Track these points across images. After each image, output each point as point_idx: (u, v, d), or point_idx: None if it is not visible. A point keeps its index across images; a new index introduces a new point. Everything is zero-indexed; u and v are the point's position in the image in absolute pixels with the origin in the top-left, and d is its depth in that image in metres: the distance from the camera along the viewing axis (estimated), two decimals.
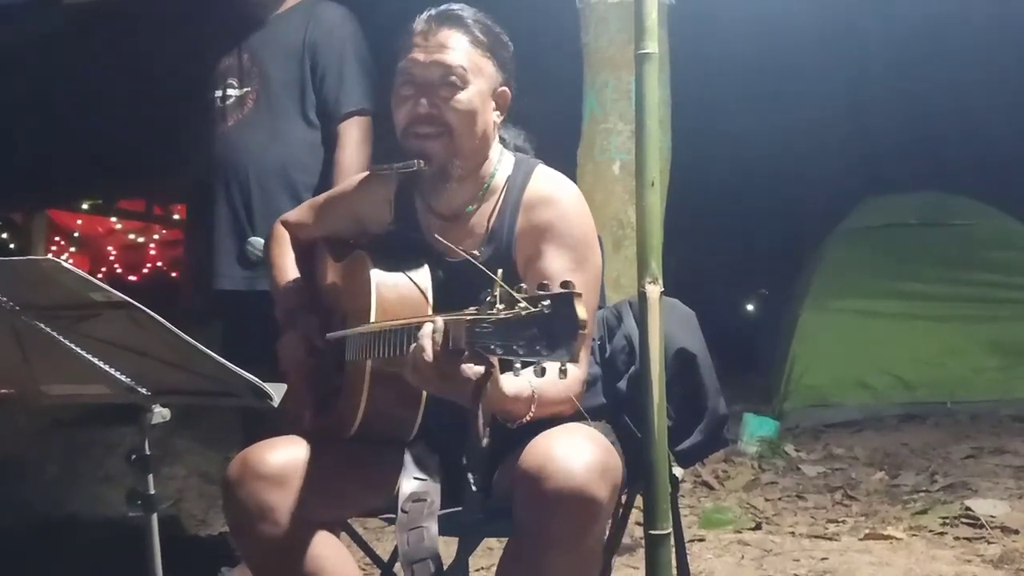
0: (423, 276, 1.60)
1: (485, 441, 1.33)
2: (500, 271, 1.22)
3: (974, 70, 7.07)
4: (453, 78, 1.59)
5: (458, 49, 1.60)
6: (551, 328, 1.13)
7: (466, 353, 1.26)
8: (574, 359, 1.15)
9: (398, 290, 1.57)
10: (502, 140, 1.74)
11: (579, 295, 1.13)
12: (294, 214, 1.94)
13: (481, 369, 1.30)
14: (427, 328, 1.33)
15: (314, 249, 1.90)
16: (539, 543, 1.41)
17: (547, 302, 1.14)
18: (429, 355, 1.31)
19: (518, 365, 1.19)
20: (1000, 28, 6.33)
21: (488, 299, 1.20)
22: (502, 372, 1.35)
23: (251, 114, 2.59)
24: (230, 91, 2.61)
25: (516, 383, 1.41)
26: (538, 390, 1.46)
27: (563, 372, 1.19)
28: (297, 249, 1.90)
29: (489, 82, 1.63)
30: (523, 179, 1.67)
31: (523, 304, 1.16)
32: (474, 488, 1.37)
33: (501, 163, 1.70)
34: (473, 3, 1.70)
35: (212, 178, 2.63)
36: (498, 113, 1.67)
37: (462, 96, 1.59)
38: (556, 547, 1.40)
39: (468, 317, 1.23)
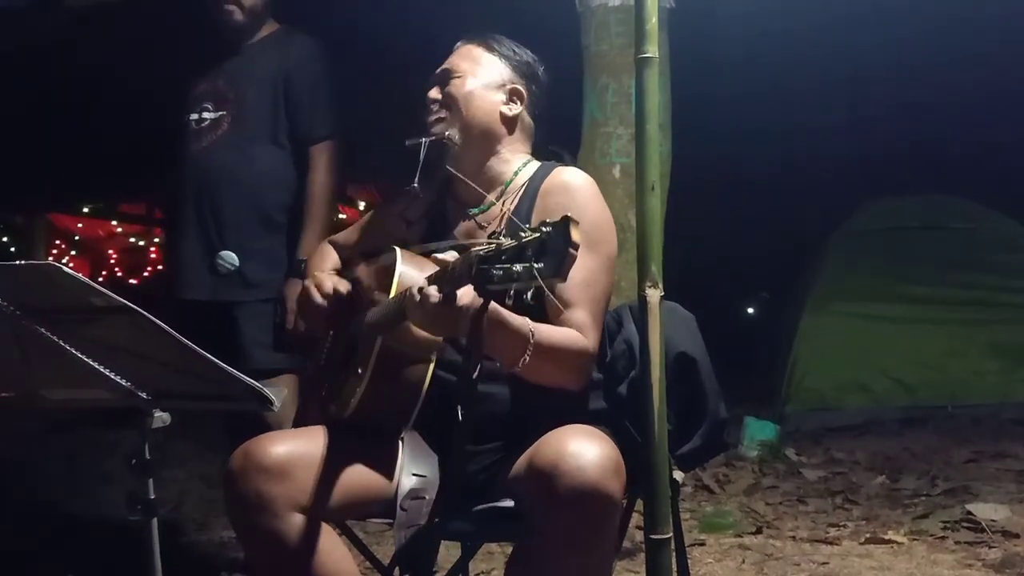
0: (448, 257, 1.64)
1: (476, 373, 1.39)
2: (511, 209, 1.40)
3: (975, 72, 7.08)
4: (454, 68, 1.83)
5: (463, 52, 1.85)
6: (546, 249, 1.21)
7: (469, 284, 1.34)
8: (563, 278, 1.21)
9: (424, 272, 1.59)
10: (542, 156, 1.85)
11: (576, 222, 1.21)
12: (340, 235, 2.08)
13: (480, 300, 1.37)
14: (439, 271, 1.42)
15: (351, 264, 1.97)
16: (552, 541, 1.42)
17: (547, 228, 1.22)
18: (435, 296, 1.39)
19: (511, 294, 1.26)
20: (1001, 30, 6.33)
21: (492, 234, 1.31)
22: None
23: (225, 136, 2.70)
24: (206, 114, 2.73)
25: (515, 316, 1.50)
26: (535, 328, 1.53)
27: (551, 290, 1.25)
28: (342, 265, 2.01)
29: (493, 74, 1.82)
30: (542, 175, 1.79)
31: (524, 232, 1.25)
32: (461, 418, 1.39)
33: (525, 167, 1.82)
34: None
35: (185, 195, 2.73)
36: (511, 105, 1.81)
37: (457, 81, 1.81)
38: (570, 545, 1.41)
39: (476, 251, 1.30)
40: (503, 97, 1.81)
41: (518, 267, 1.22)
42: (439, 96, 1.81)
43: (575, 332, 1.61)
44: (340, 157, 2.70)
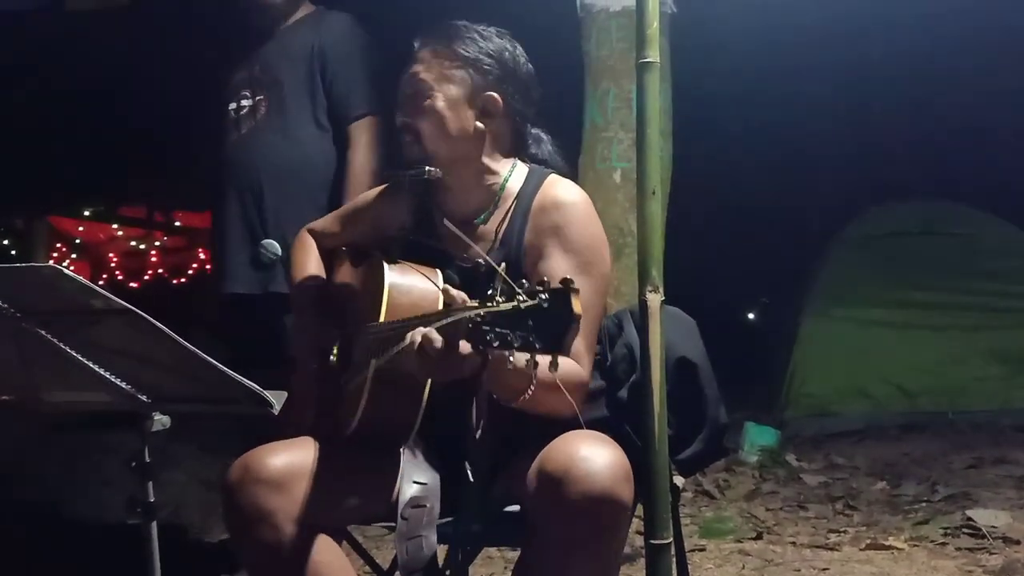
0: (436, 279, 1.61)
1: (479, 434, 1.35)
2: (503, 264, 1.28)
3: (978, 79, 7.09)
4: (420, 89, 1.69)
5: (427, 61, 1.71)
6: (546, 321, 1.17)
7: (465, 346, 1.30)
8: (565, 352, 1.18)
9: (411, 295, 1.57)
10: (522, 147, 1.78)
11: (576, 291, 1.17)
12: (320, 223, 2.00)
13: (477, 359, 1.32)
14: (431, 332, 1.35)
15: (334, 256, 1.94)
16: (562, 547, 1.41)
17: (544, 295, 1.18)
18: (432, 344, 1.33)
19: (512, 357, 1.22)
20: (1003, 37, 6.34)
21: (489, 292, 1.24)
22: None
23: (263, 121, 2.65)
24: (244, 101, 2.68)
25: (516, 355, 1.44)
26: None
27: (554, 365, 1.22)
28: (322, 255, 1.95)
29: (462, 88, 1.69)
30: (534, 188, 1.71)
31: (522, 296, 1.19)
32: (471, 479, 1.37)
33: (514, 174, 1.74)
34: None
35: (226, 185, 2.68)
36: (486, 120, 1.70)
37: (426, 104, 1.68)
38: (582, 553, 1.40)
39: (470, 309, 1.25)
40: (475, 112, 1.69)
41: (516, 336, 1.19)
42: (408, 123, 1.70)
43: (573, 363, 1.56)
44: (381, 136, 2.60)
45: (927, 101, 7.41)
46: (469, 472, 1.38)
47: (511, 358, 1.23)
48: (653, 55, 1.72)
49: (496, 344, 1.21)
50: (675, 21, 3.13)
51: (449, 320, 1.31)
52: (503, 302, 1.21)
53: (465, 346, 1.31)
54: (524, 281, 1.23)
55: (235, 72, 2.72)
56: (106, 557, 2.76)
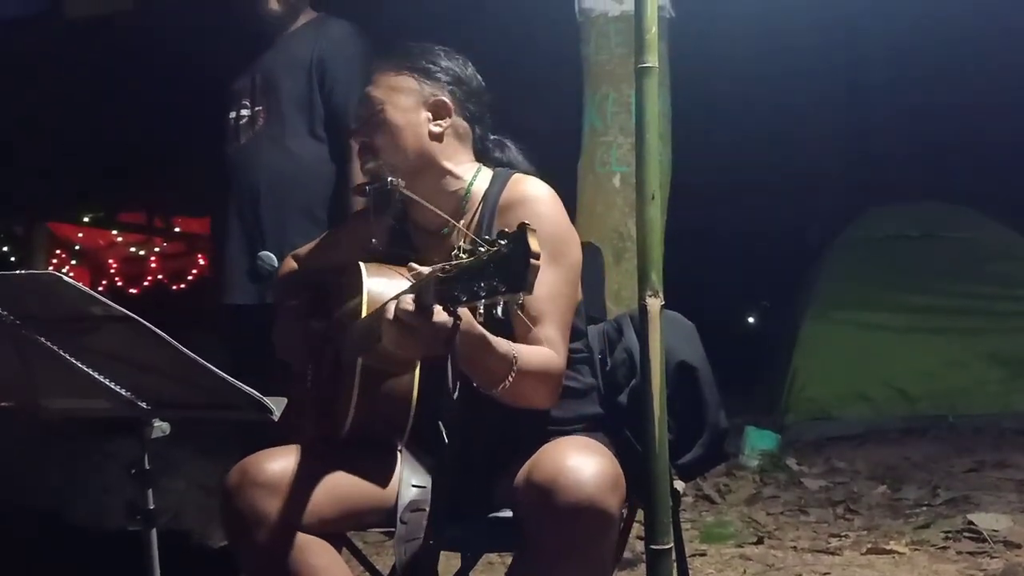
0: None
1: (456, 394, 1.35)
2: (462, 221, 1.35)
3: (977, 82, 7.10)
4: (372, 108, 1.72)
5: (376, 82, 1.75)
6: (508, 263, 1.19)
7: (436, 308, 1.31)
8: (528, 290, 1.19)
9: (388, 293, 1.58)
10: (485, 153, 1.78)
11: (533, 230, 1.19)
12: (304, 249, 2.01)
13: (449, 320, 1.33)
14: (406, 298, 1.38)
15: (319, 277, 1.94)
16: (550, 556, 1.42)
17: (503, 241, 1.20)
18: (405, 309, 1.34)
19: (481, 311, 1.24)
20: (1004, 39, 6.35)
21: (453, 253, 1.27)
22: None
23: (262, 131, 2.64)
24: (243, 111, 2.67)
25: (496, 338, 1.46)
26: (517, 351, 1.49)
27: (519, 306, 1.25)
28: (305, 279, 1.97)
29: (411, 96, 1.72)
30: (500, 188, 1.71)
31: (483, 248, 1.21)
32: (447, 439, 1.38)
33: (478, 178, 1.74)
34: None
35: (224, 194, 2.68)
36: (440, 122, 1.72)
37: (377, 119, 1.71)
38: (568, 561, 1.41)
39: (437, 271, 1.27)
40: (428, 115, 1.72)
41: (480, 285, 1.20)
42: (365, 141, 1.73)
43: (550, 351, 1.57)
44: None
45: (926, 103, 7.42)
46: (444, 432, 1.38)
47: (479, 311, 1.25)
48: (652, 60, 1.72)
49: (464, 299, 1.22)
50: (673, 26, 3.14)
51: (418, 282, 1.34)
52: (466, 258, 1.24)
53: (439, 312, 1.32)
54: (486, 236, 1.25)
55: (237, 80, 2.71)
56: (107, 561, 2.76)
